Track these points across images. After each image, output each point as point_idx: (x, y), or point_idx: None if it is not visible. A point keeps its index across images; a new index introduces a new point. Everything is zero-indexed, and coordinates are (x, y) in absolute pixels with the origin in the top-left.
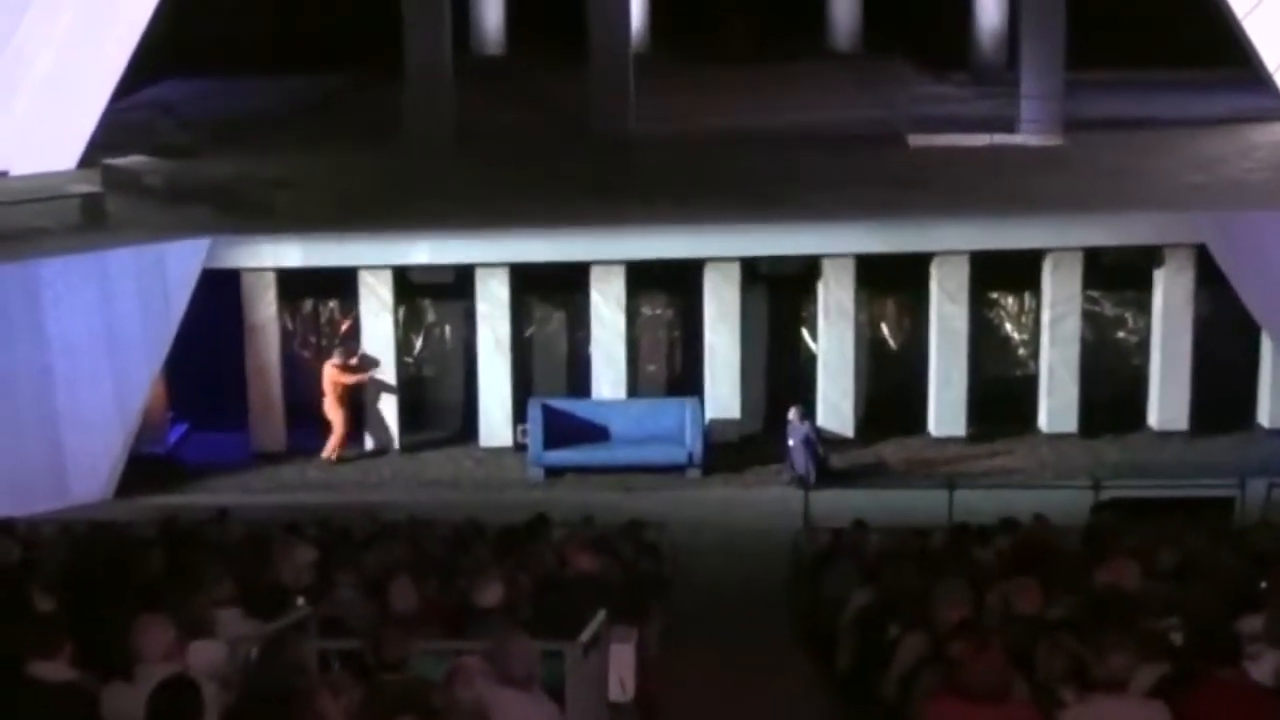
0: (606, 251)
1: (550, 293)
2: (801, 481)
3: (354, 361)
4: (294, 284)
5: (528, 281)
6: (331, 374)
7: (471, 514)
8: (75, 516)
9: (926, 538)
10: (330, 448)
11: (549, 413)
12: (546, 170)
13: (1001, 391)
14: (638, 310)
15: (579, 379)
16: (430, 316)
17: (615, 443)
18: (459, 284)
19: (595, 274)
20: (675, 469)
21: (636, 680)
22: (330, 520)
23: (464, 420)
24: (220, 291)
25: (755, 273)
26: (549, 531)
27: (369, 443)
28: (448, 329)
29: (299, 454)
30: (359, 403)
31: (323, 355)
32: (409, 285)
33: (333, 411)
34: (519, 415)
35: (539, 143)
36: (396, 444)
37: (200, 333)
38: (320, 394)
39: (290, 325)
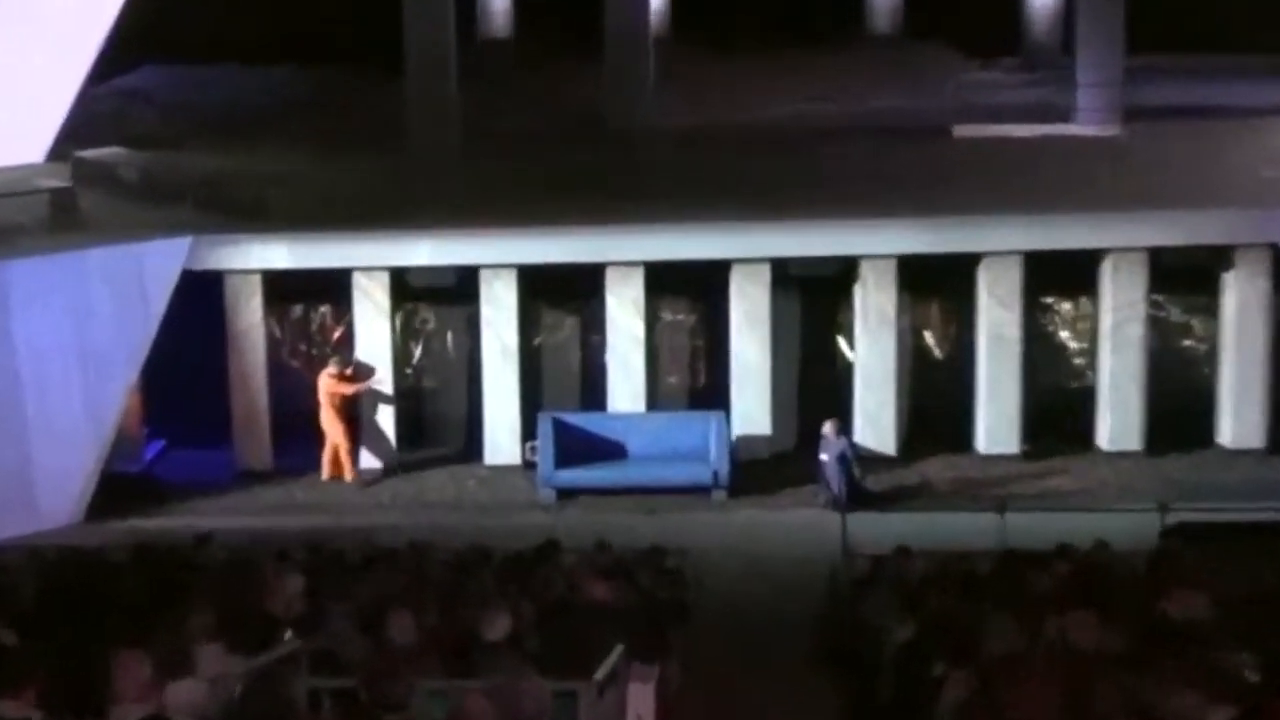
0: (623, 251)
1: (562, 297)
2: (838, 503)
3: (349, 371)
4: (282, 287)
5: (537, 284)
6: (329, 384)
7: (476, 539)
8: (43, 541)
9: (975, 565)
10: (346, 468)
11: (560, 428)
12: (558, 164)
13: (1057, 405)
14: (657, 316)
15: (593, 391)
16: (431, 323)
17: (633, 461)
18: (462, 287)
19: (611, 276)
20: (699, 490)
21: None
22: (321, 545)
23: (467, 436)
24: (202, 295)
25: (786, 275)
26: (561, 557)
27: (364, 460)
28: (450, 336)
29: (287, 473)
30: (354, 415)
31: (313, 365)
32: (407, 288)
33: (332, 425)
34: (528, 431)
35: (550, 135)
36: (394, 462)
37: (180, 340)
38: (310, 407)
39: (278, 332)
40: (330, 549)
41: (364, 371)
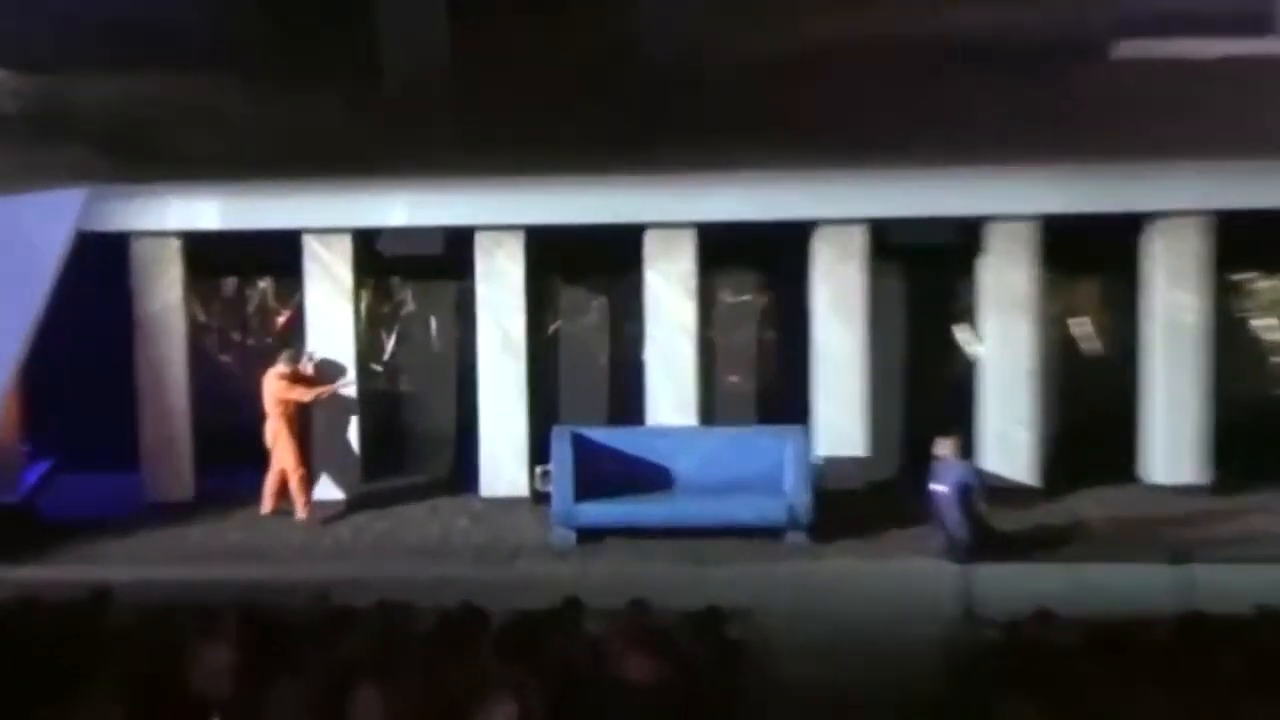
0: (668, 210)
1: (585, 270)
2: (958, 550)
3: (307, 369)
4: (209, 255)
5: (552, 254)
6: (277, 388)
7: (469, 595)
8: None
9: (1144, 635)
10: (297, 499)
11: (583, 447)
12: (583, 100)
13: (1257, 420)
14: (714, 296)
15: (627, 397)
16: (409, 304)
17: (681, 492)
18: (451, 257)
19: (651, 243)
20: (769, 532)
21: None
22: (261, 604)
23: (457, 458)
24: (101, 266)
25: (887, 243)
26: (582, 622)
27: (320, 489)
28: (434, 323)
29: (215, 506)
30: (307, 429)
31: (250, 360)
32: (377, 259)
33: (280, 443)
34: (538, 451)
35: (573, 63)
36: (360, 492)
37: (71, 327)
38: (248, 418)
39: (203, 316)
40: (273, 609)
41: (326, 372)
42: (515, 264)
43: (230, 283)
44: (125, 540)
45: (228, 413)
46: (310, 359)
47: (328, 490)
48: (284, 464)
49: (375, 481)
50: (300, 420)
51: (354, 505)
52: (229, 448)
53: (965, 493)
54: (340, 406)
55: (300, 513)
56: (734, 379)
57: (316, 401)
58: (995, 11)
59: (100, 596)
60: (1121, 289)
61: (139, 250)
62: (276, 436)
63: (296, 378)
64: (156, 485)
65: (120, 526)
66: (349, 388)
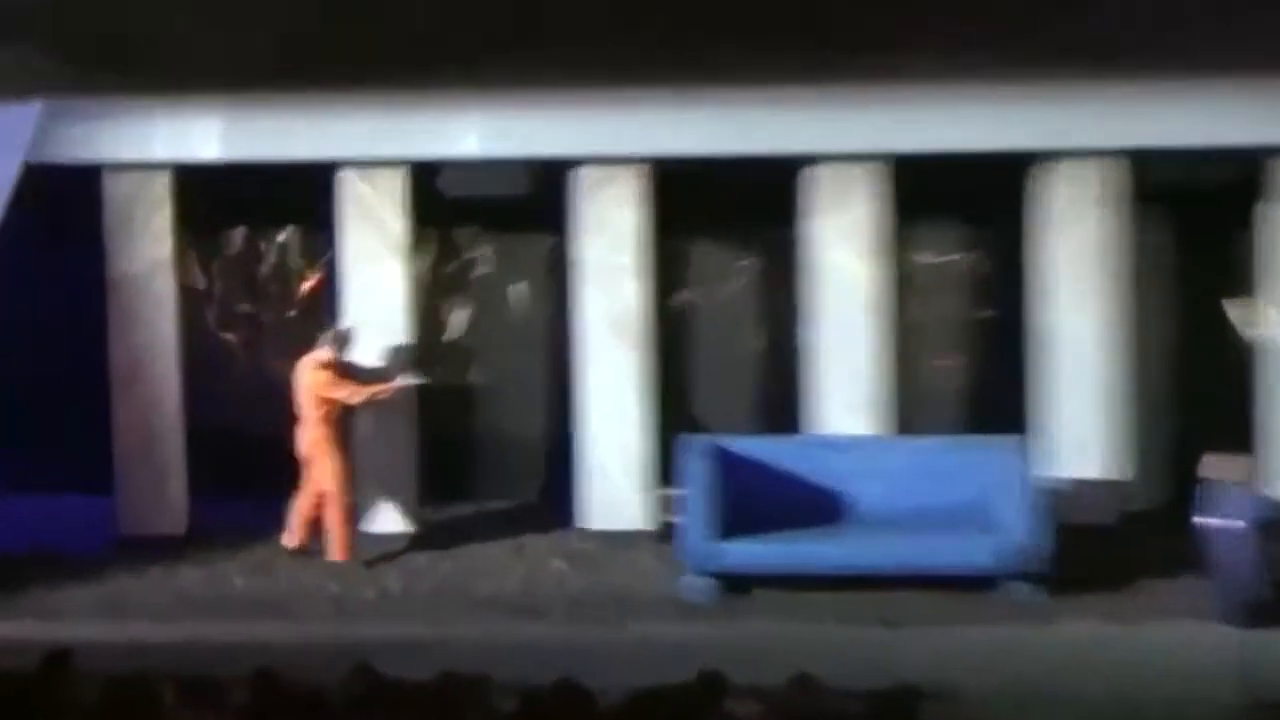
0: (842, 136)
1: (726, 219)
2: (1242, 610)
3: (346, 356)
4: (210, 196)
5: (681, 197)
6: (319, 383)
7: (568, 668)
8: None
9: None
10: (334, 533)
11: (726, 465)
12: None
13: None
14: (908, 255)
15: (783, 396)
16: (482, 266)
17: (859, 527)
18: (542, 202)
19: (818, 184)
20: (982, 582)
21: None
22: (279, 674)
23: (549, 477)
24: (60, 212)
25: (1146, 181)
26: (725, 704)
27: (368, 520)
28: (517, 292)
29: (216, 541)
30: (348, 438)
31: (264, 340)
32: (440, 203)
33: (321, 457)
34: (662, 469)
35: None
36: (411, 523)
37: (18, 297)
38: (267, 422)
39: (202, 279)
40: (294, 682)
41: (396, 362)
42: (630, 212)
43: (238, 235)
44: (91, 585)
45: (234, 415)
46: (346, 341)
47: (373, 520)
48: (323, 486)
49: (436, 508)
50: (343, 429)
51: (408, 541)
52: (235, 463)
53: (1253, 531)
54: (388, 406)
55: (337, 553)
56: (931, 371)
57: (372, 403)
58: None
59: (56, 661)
60: None
61: (114, 190)
62: (315, 449)
63: (339, 370)
64: (136, 512)
65: (85, 567)
66: (415, 381)
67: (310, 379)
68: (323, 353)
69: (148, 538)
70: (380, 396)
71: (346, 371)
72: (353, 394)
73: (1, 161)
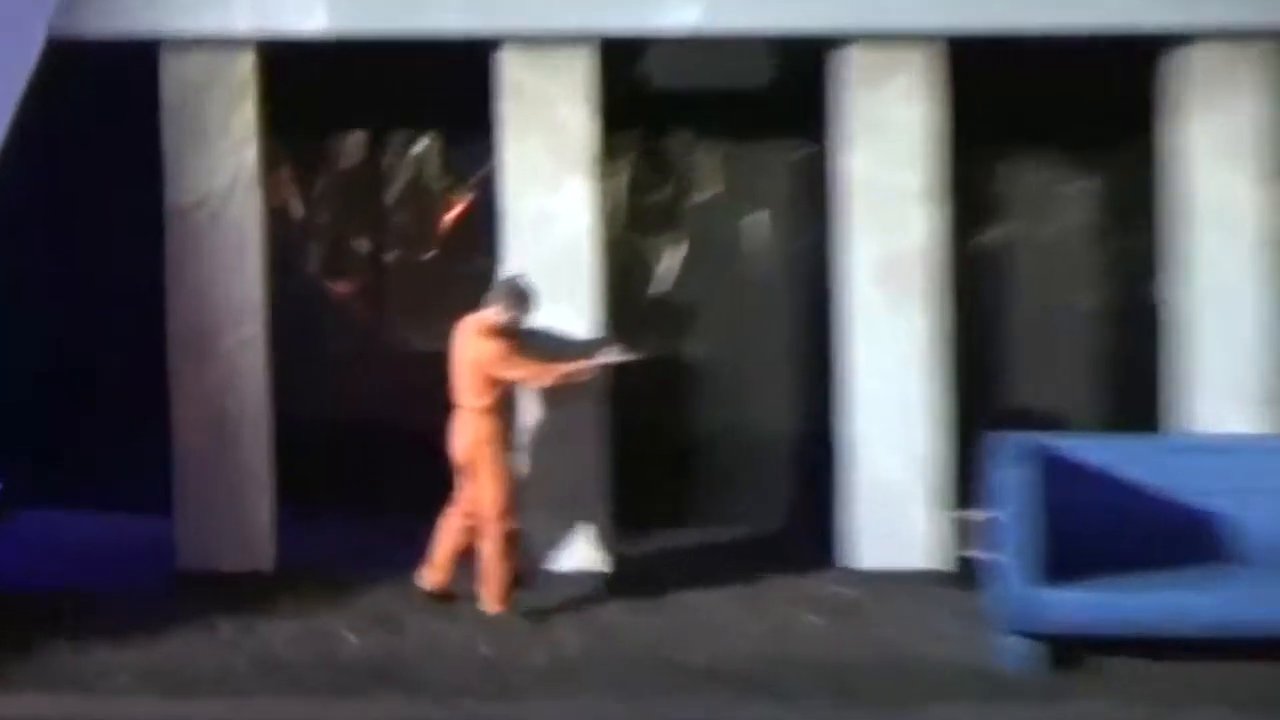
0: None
1: (1053, 121)
2: None
3: (527, 320)
4: (313, 86)
5: (984, 86)
6: (489, 356)
7: None
8: None
9: None
10: (491, 571)
11: (1058, 475)
12: None
13: None
14: None
15: (1138, 378)
16: (700, 186)
17: (1251, 568)
18: (784, 94)
19: (1190, 66)
20: None
21: None
22: None
23: (797, 495)
24: (99, 108)
25: None
26: None
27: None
28: (749, 226)
29: (316, 580)
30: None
31: (389, 291)
32: (642, 96)
33: (485, 462)
34: (961, 482)
35: None
36: (601, 558)
37: (39, 228)
38: (395, 412)
39: (301, 204)
40: None
41: (577, 338)
42: (918, 110)
43: (352, 141)
44: (141, 641)
45: (345, 403)
46: (525, 298)
47: (546, 555)
48: (481, 501)
49: (635, 538)
50: (507, 418)
51: (594, 584)
52: (346, 473)
53: None
54: (571, 393)
55: (493, 601)
56: None
57: (565, 387)
58: None
59: None
60: None
61: (177, 75)
62: (477, 451)
63: (516, 337)
64: (202, 539)
65: (133, 614)
66: (624, 357)
67: (476, 352)
68: (493, 314)
69: (218, 574)
70: (578, 379)
71: (527, 342)
72: (540, 374)
73: (17, 37)
